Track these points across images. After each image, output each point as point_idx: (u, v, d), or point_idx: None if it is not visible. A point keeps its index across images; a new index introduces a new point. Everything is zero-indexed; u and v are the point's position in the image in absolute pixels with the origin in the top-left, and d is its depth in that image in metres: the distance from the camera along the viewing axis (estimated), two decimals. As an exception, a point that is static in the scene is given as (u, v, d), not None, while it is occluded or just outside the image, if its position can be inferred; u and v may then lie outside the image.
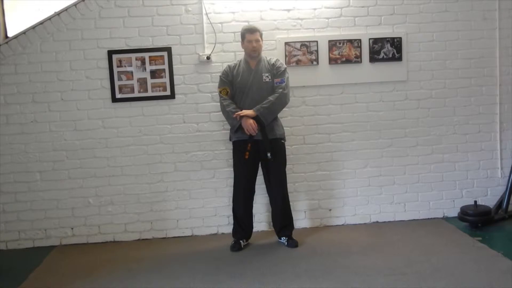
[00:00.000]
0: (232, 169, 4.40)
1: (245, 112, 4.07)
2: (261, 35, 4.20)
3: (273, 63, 4.24)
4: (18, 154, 4.49)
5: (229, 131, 4.40)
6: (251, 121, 4.04)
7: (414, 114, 4.77)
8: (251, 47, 4.15)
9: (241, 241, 4.30)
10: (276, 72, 4.21)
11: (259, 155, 4.20)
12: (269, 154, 4.11)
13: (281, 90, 4.14)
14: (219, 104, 4.38)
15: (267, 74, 4.19)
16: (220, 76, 4.30)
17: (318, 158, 4.72)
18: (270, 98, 4.12)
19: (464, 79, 4.78)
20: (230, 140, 4.36)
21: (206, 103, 4.58)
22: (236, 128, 4.16)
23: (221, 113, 4.43)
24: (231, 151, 4.36)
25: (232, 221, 4.41)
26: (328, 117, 4.70)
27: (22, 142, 4.49)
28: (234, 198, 4.35)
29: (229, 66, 4.28)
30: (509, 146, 4.86)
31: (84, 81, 4.49)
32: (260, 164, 4.29)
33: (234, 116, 4.07)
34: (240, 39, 4.26)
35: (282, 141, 4.28)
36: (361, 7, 4.63)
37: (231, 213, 4.41)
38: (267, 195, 4.45)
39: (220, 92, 4.24)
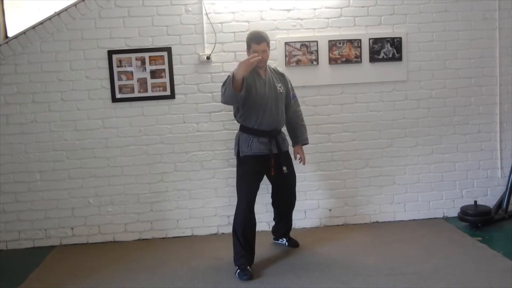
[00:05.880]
0: (232, 168, 4.38)
1: (302, 155, 4.15)
2: (268, 44, 3.83)
3: (281, 73, 4.07)
4: (18, 154, 4.49)
5: (233, 139, 4.09)
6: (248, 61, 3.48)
7: (414, 114, 4.77)
8: None
9: (248, 267, 3.74)
10: (288, 84, 4.06)
11: (268, 168, 3.89)
12: (284, 168, 3.93)
13: (299, 108, 4.16)
14: (219, 104, 4.32)
15: (279, 85, 3.95)
16: None
17: (318, 158, 4.72)
18: (300, 121, 4.13)
19: (464, 79, 4.78)
20: (239, 154, 3.85)
21: (206, 103, 4.58)
22: (249, 143, 3.81)
23: (221, 113, 4.46)
24: (232, 151, 4.21)
25: (232, 221, 4.36)
26: (328, 117, 4.70)
27: (22, 142, 4.49)
28: (240, 218, 3.80)
29: None
30: (509, 146, 4.86)
31: (84, 81, 4.49)
32: (268, 178, 4.03)
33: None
34: (236, 41, 4.22)
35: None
36: (361, 7, 4.63)
37: (231, 213, 4.35)
38: (267, 194, 4.43)
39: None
